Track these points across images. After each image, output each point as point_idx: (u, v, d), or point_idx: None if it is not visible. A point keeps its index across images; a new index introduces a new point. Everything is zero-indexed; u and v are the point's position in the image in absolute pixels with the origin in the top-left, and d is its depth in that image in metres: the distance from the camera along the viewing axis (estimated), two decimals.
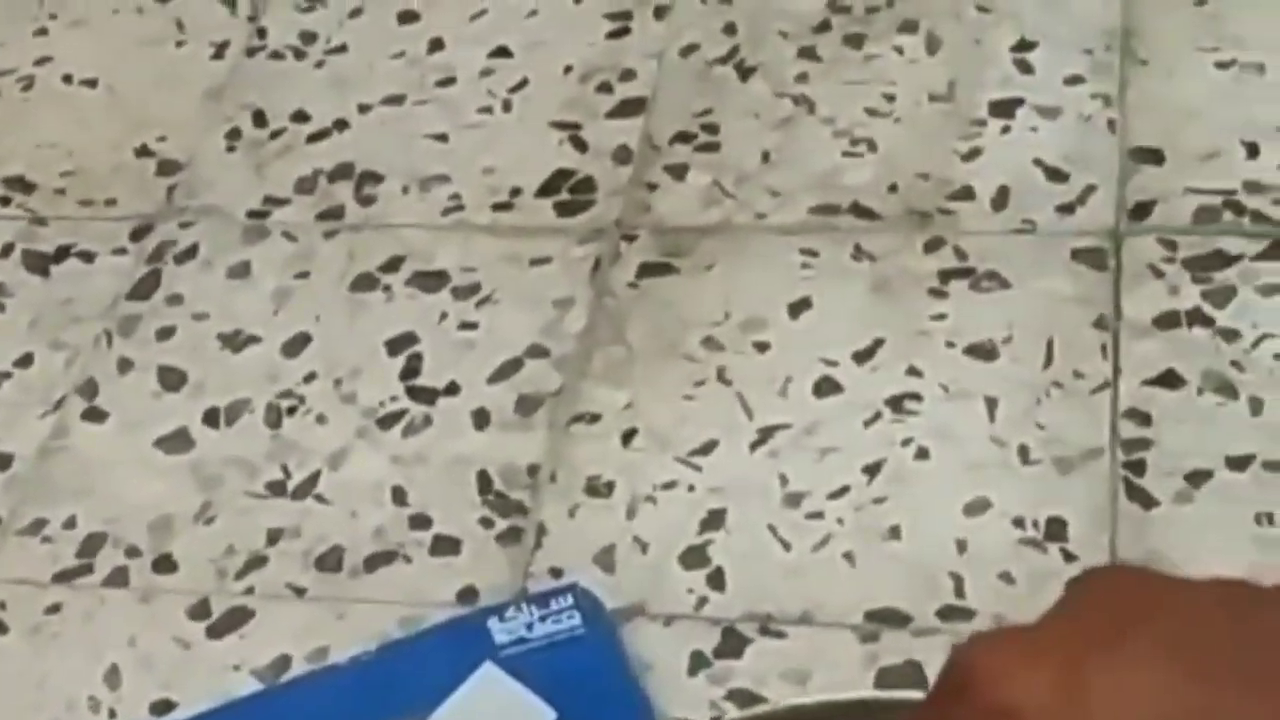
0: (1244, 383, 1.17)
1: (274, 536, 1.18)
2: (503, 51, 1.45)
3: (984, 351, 1.21)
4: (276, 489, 1.20)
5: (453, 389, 1.24)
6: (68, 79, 1.50)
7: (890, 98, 1.36)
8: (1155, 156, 1.30)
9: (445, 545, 1.16)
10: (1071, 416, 1.16)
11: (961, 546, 1.11)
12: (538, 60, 1.44)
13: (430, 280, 1.31)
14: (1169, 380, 1.17)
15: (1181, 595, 0.60)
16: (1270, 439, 1.14)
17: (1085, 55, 1.37)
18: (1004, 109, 1.34)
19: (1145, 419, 1.16)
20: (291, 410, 1.24)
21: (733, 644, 1.09)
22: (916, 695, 0.75)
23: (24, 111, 1.49)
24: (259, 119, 1.44)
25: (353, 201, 1.37)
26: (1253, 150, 1.29)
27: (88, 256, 1.37)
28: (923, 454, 1.16)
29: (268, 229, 1.36)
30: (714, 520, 1.14)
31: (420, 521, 1.17)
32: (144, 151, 1.43)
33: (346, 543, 1.17)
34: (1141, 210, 1.27)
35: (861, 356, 1.21)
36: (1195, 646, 0.58)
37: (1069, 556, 1.10)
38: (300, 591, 1.15)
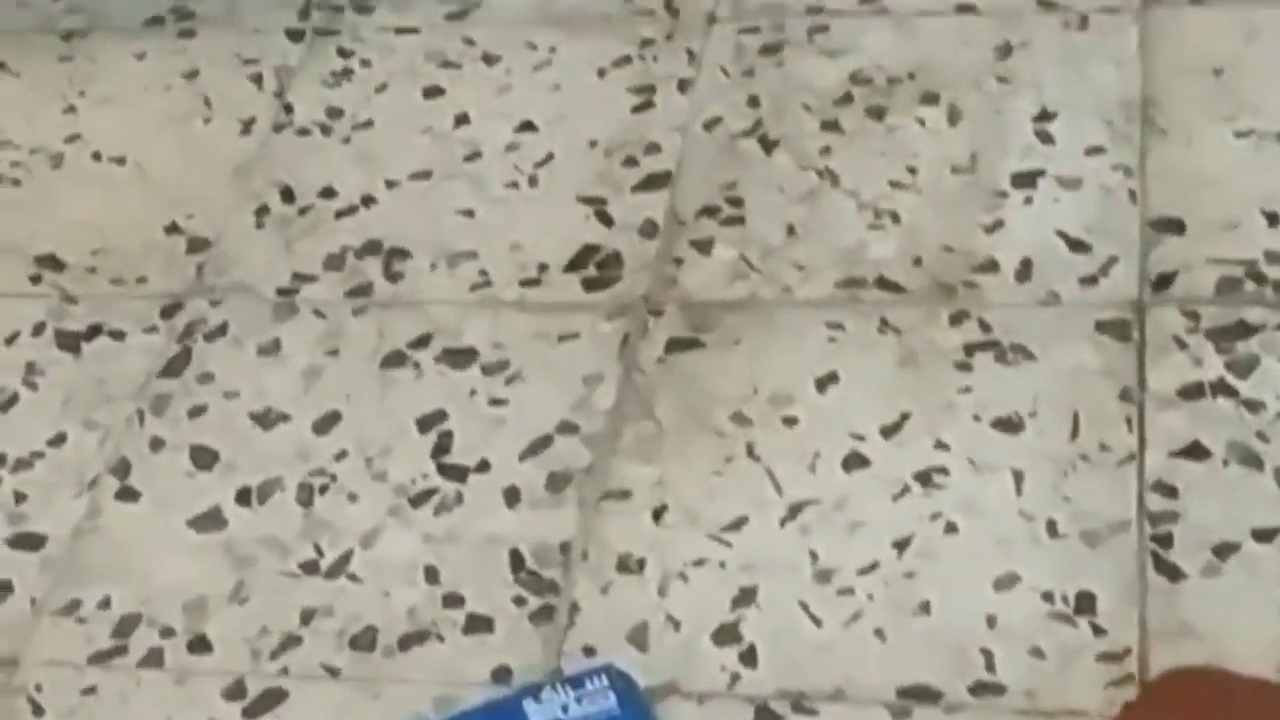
0: (1269, 454, 1.17)
1: (307, 616, 1.19)
2: (528, 126, 1.47)
3: (1010, 425, 1.21)
4: (309, 568, 1.21)
5: (483, 466, 1.25)
6: (97, 156, 1.52)
7: (913, 170, 1.37)
8: (1176, 227, 1.31)
9: (478, 624, 1.17)
10: (1098, 489, 1.17)
11: (991, 621, 1.12)
12: (563, 135, 1.45)
13: (459, 357, 1.32)
14: (1195, 452, 1.18)
15: (1251, 691, 0.61)
16: None
17: (1105, 125, 1.38)
18: (1026, 180, 1.35)
19: (1172, 491, 1.16)
20: (323, 489, 1.25)
21: None
22: None
23: (54, 190, 1.50)
24: (287, 195, 1.45)
25: (381, 278, 1.38)
26: (1273, 220, 1.30)
27: (119, 335, 1.38)
28: (951, 528, 1.17)
29: (297, 306, 1.37)
30: (745, 597, 1.15)
31: (453, 600, 1.18)
32: (173, 229, 1.45)
33: (380, 622, 1.18)
34: (1164, 281, 1.27)
35: (889, 431, 1.22)
36: None
37: (1098, 630, 1.10)
38: (334, 672, 1.16)
